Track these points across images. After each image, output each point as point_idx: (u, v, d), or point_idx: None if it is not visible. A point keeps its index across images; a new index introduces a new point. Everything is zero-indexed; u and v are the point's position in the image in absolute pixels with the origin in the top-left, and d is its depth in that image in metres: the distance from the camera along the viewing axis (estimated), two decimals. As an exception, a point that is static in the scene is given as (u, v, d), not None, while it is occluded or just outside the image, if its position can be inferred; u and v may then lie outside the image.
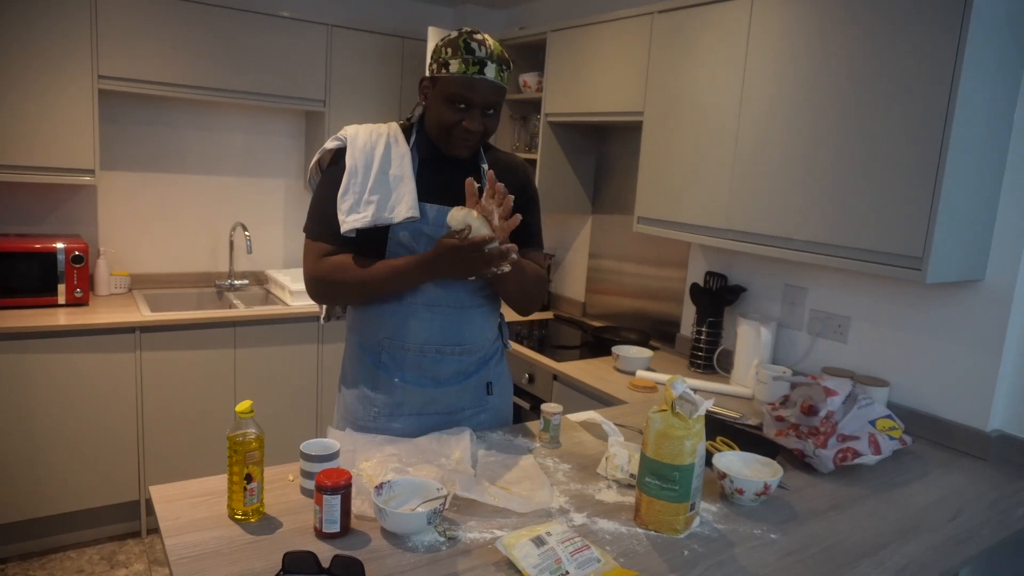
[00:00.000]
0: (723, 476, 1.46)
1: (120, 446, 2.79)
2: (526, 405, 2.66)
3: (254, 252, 3.52)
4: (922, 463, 1.82)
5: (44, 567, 2.71)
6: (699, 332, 2.54)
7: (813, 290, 2.31)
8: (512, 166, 1.72)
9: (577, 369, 2.50)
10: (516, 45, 3.30)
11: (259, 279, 3.57)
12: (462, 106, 1.50)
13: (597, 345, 2.84)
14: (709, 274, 2.61)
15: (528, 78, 3.24)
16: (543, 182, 3.10)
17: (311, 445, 1.36)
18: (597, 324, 3.17)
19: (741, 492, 1.44)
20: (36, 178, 2.70)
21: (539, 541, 1.17)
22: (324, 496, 1.18)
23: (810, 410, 1.72)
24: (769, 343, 2.29)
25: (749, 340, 2.31)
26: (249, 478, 1.23)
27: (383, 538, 1.22)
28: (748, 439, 1.76)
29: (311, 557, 1.09)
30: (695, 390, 2.27)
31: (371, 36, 3.30)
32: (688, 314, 2.78)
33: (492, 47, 1.51)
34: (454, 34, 1.52)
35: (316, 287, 1.57)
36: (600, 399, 2.30)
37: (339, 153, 1.59)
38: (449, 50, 1.49)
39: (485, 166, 1.66)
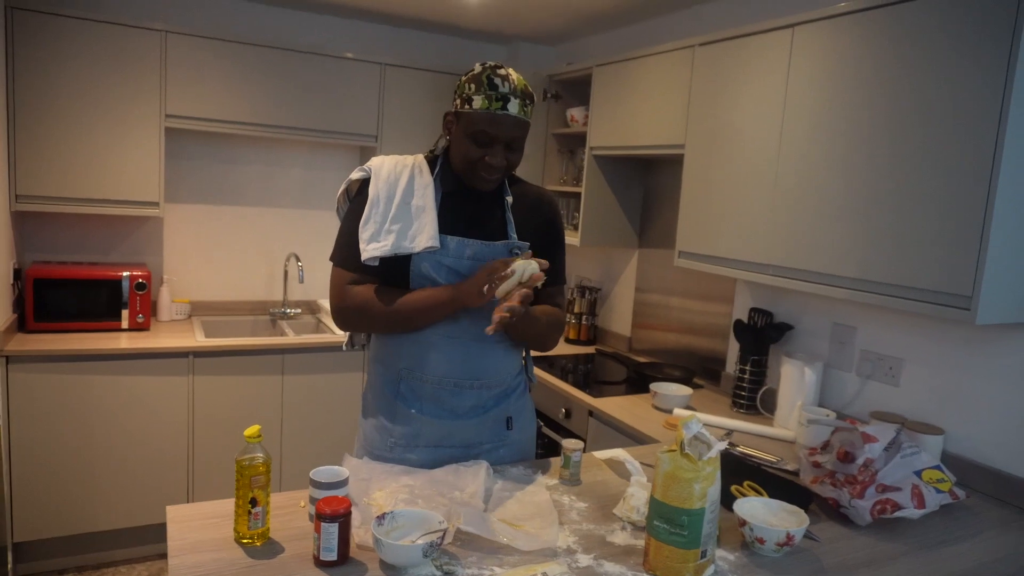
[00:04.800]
0: (743, 523, 1.38)
1: (172, 466, 2.90)
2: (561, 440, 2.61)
3: (307, 282, 3.63)
4: (977, 520, 1.67)
5: (97, 581, 2.83)
6: (742, 371, 2.44)
7: (863, 329, 2.19)
8: (538, 200, 1.72)
9: (614, 405, 2.44)
10: (564, 80, 3.33)
11: (312, 308, 3.67)
12: (485, 142, 1.51)
13: (640, 381, 2.78)
14: (754, 310, 2.51)
15: (575, 112, 3.26)
16: (588, 215, 3.09)
17: (320, 472, 1.37)
18: (642, 360, 3.10)
19: (762, 541, 1.36)
20: (105, 210, 2.89)
21: (533, 582, 1.13)
22: (322, 524, 1.18)
23: (846, 457, 1.61)
24: (814, 384, 2.18)
25: (793, 380, 2.21)
26: (254, 502, 1.25)
27: (381, 570, 1.21)
28: (780, 485, 1.67)
29: (301, 585, 1.09)
30: (729, 431, 2.18)
31: (421, 73, 3.40)
32: (733, 352, 2.68)
33: (515, 82, 1.51)
34: (477, 68, 1.52)
35: (341, 315, 1.59)
36: (634, 437, 2.24)
37: (365, 183, 1.62)
38: (472, 86, 1.50)
39: (510, 199, 1.66)
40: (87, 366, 2.71)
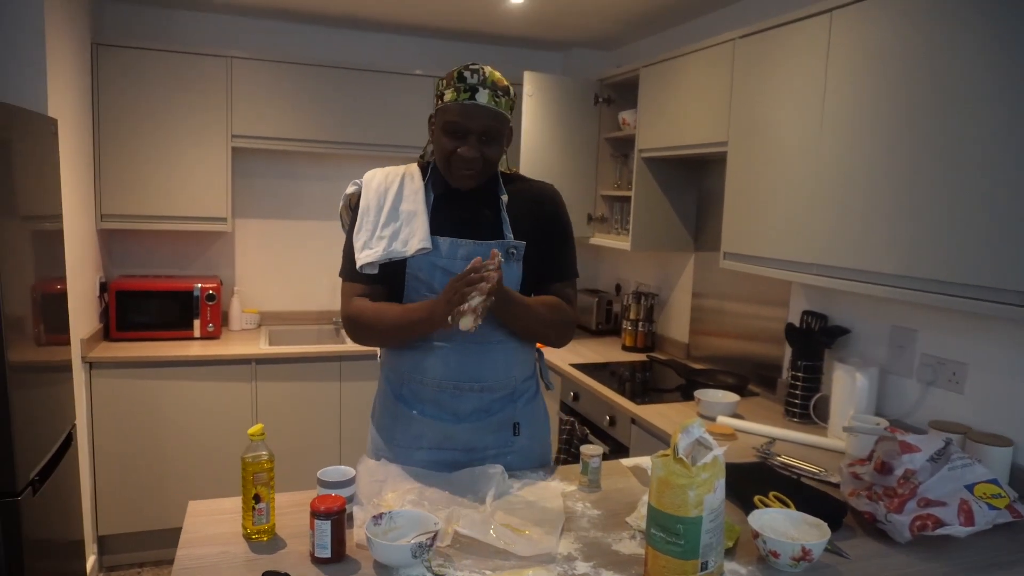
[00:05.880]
0: (756, 535, 1.31)
1: (237, 468, 3.05)
2: (605, 448, 2.56)
3: (369, 291, 3.75)
4: (1045, 542, 1.50)
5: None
6: (795, 377, 2.31)
7: (924, 332, 2.03)
8: (539, 196, 1.68)
9: (656, 413, 2.37)
10: (614, 83, 3.29)
11: (374, 317, 3.78)
12: (458, 133, 1.51)
13: (693, 389, 2.68)
14: (807, 313, 2.38)
15: (627, 115, 3.21)
16: (638, 219, 3.03)
17: (327, 472, 1.41)
18: (698, 367, 2.99)
19: (776, 555, 1.28)
20: (178, 226, 3.11)
21: (515, 586, 1.11)
22: (316, 521, 1.22)
23: (883, 467, 1.50)
24: (866, 390, 2.03)
25: (845, 387, 2.07)
26: (257, 498, 1.30)
27: (373, 568, 1.23)
28: (814, 497, 1.56)
29: (286, 579, 1.12)
30: (771, 440, 2.08)
31: (473, 85, 3.45)
32: (789, 358, 2.54)
33: (486, 75, 1.51)
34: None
35: (349, 328, 1.62)
36: (675, 445, 2.16)
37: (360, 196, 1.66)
38: (444, 82, 1.53)
39: (504, 197, 1.63)
40: (161, 372, 2.91)
